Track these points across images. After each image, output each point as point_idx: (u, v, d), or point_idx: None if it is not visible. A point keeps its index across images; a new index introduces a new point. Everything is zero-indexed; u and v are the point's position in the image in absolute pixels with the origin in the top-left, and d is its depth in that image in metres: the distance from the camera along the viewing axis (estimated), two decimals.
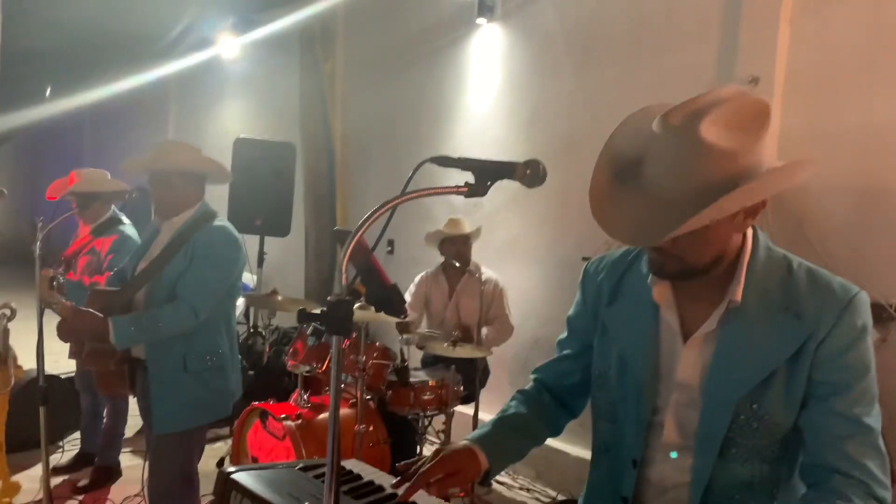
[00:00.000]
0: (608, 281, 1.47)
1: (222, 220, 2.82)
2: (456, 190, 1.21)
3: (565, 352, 1.59)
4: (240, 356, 2.99)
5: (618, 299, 1.45)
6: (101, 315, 2.51)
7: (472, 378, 3.85)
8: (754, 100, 1.20)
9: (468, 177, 1.24)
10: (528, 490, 4.26)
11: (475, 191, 1.22)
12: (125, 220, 3.98)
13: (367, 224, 1.11)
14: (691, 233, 1.16)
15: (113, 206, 3.98)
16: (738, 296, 1.27)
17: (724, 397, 1.27)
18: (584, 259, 1.66)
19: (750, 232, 1.32)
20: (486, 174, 1.23)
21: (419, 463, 1.38)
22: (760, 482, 1.27)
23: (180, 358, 2.64)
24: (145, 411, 2.76)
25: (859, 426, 1.21)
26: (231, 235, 2.77)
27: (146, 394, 2.67)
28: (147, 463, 2.85)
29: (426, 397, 3.61)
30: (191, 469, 2.79)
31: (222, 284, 2.72)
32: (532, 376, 1.65)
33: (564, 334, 1.61)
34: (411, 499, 1.37)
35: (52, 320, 2.98)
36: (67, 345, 3.40)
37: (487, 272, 4.20)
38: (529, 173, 1.22)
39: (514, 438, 1.51)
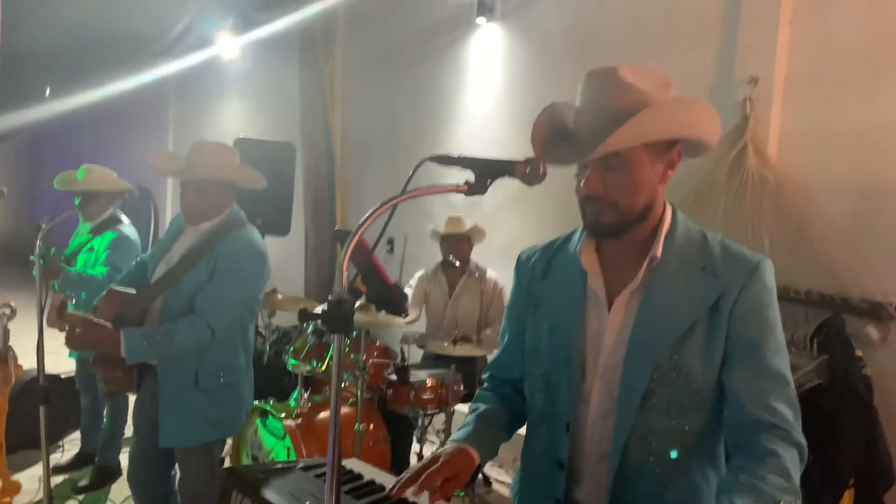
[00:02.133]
0: (540, 260, 1.57)
1: (250, 230, 2.68)
2: (456, 188, 1.21)
3: (505, 339, 1.65)
4: None
5: (549, 274, 1.54)
6: (112, 328, 2.41)
7: (472, 377, 3.85)
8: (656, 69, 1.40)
9: (468, 175, 1.25)
10: None
11: (475, 189, 1.23)
12: (124, 219, 3.98)
13: (367, 223, 1.11)
14: (622, 175, 1.33)
15: (113, 205, 3.99)
16: (659, 251, 1.38)
17: (647, 350, 1.36)
18: None
19: (670, 208, 1.44)
20: (485, 172, 1.23)
21: (414, 468, 1.40)
22: (676, 431, 1.36)
23: (192, 373, 2.54)
24: (146, 411, 2.66)
25: (778, 378, 1.33)
26: (256, 249, 2.64)
27: (154, 400, 2.58)
28: (129, 468, 2.80)
29: (426, 396, 3.61)
30: (216, 472, 2.73)
31: (243, 301, 2.61)
32: (484, 376, 1.72)
33: (503, 324, 1.67)
34: (411, 499, 1.38)
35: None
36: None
37: (488, 271, 4.20)
38: (529, 171, 1.24)
39: (495, 432, 1.57)
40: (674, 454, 1.36)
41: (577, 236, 1.51)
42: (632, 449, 1.37)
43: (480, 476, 4.12)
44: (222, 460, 4.13)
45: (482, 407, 1.61)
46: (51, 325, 2.98)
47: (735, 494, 1.20)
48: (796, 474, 1.25)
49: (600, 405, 1.42)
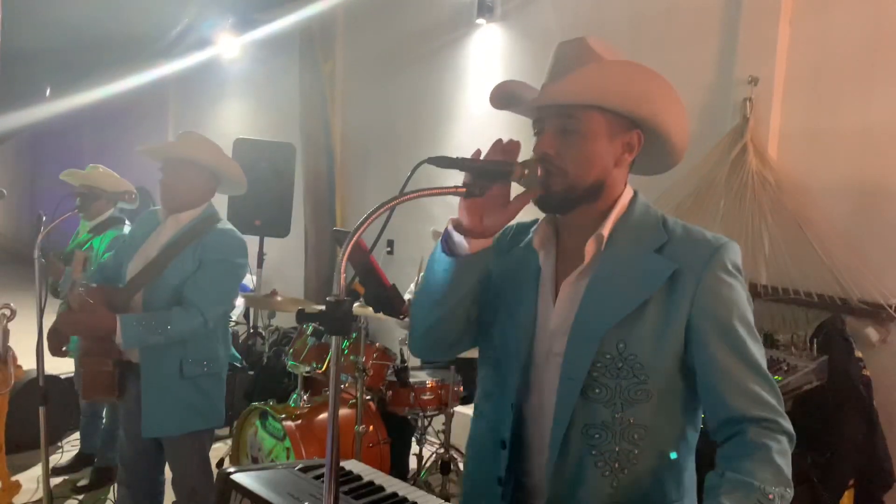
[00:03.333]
0: (513, 237, 1.53)
1: (227, 223, 2.73)
2: (454, 190, 1.22)
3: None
4: (240, 357, 2.94)
5: (511, 251, 1.50)
6: (110, 312, 2.43)
7: (471, 378, 3.84)
8: None
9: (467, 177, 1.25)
10: None
11: (473, 191, 1.23)
12: (126, 220, 3.99)
13: (366, 224, 1.10)
14: (576, 143, 1.29)
15: (114, 206, 4.00)
16: (606, 230, 1.33)
17: (590, 332, 1.29)
18: None
19: (631, 191, 1.39)
20: (483, 175, 1.23)
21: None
22: (620, 424, 1.29)
23: (176, 363, 2.56)
24: (134, 416, 2.63)
25: (754, 366, 1.26)
26: (240, 240, 2.70)
27: (138, 401, 2.58)
28: (120, 468, 2.81)
29: (426, 397, 3.62)
30: (207, 464, 2.76)
31: (231, 291, 2.66)
32: None
33: None
34: (413, 498, 1.38)
35: (52, 319, 2.97)
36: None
37: None
38: (527, 174, 1.24)
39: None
40: (617, 448, 1.29)
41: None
42: (573, 441, 1.30)
43: None
44: (222, 461, 4.14)
45: None
46: (75, 277, 3.01)
47: (722, 493, 1.16)
48: (786, 463, 1.20)
49: (547, 392, 1.36)
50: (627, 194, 1.38)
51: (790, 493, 1.19)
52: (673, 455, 1.32)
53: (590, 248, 1.33)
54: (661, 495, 1.32)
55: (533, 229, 1.47)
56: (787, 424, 1.25)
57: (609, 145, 1.32)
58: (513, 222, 1.53)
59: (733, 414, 1.25)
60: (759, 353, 1.28)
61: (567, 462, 1.31)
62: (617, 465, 1.29)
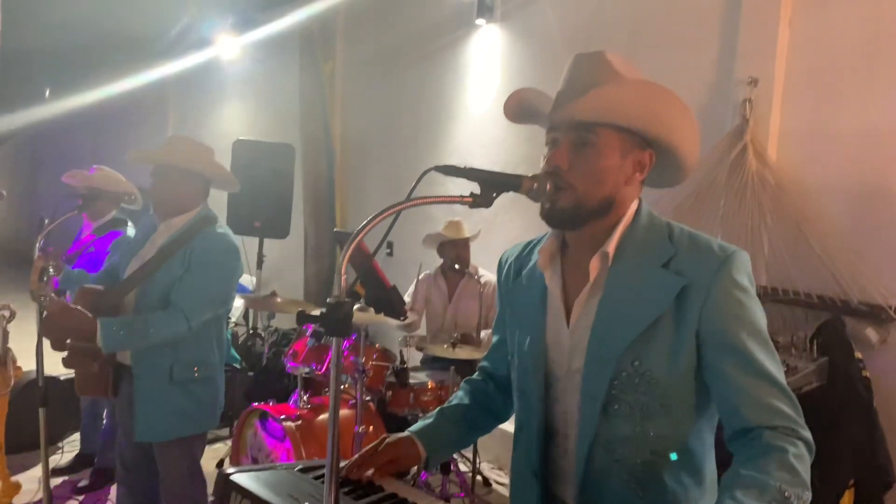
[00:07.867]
0: (515, 262, 1.55)
1: (223, 227, 2.71)
2: (461, 199, 1.22)
3: (495, 338, 1.65)
4: (239, 358, 2.92)
5: (518, 276, 1.51)
6: (89, 315, 2.41)
7: None
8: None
9: (473, 185, 1.25)
10: None
11: (480, 201, 1.24)
12: (128, 221, 4.00)
13: (369, 228, 1.11)
14: (588, 158, 1.30)
15: (117, 208, 4.01)
16: (611, 247, 1.32)
17: (607, 353, 1.30)
18: None
19: (635, 203, 1.38)
20: (491, 185, 1.24)
21: (364, 448, 1.49)
22: (642, 437, 1.30)
23: (167, 367, 2.55)
24: (128, 418, 2.63)
25: (767, 378, 1.24)
26: (231, 244, 2.66)
27: (132, 401, 2.58)
28: (119, 468, 2.80)
29: (425, 398, 3.62)
30: (198, 469, 2.75)
31: (219, 294, 2.63)
32: (479, 364, 1.72)
33: (494, 324, 1.69)
34: (413, 499, 1.39)
35: None
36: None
37: (486, 274, 4.20)
38: (536, 188, 1.24)
39: (452, 429, 1.59)
40: (640, 460, 1.30)
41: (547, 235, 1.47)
42: (596, 456, 1.33)
43: (480, 477, 4.11)
44: (221, 461, 4.14)
45: (453, 402, 1.64)
46: (32, 288, 2.95)
47: (738, 489, 1.14)
48: (803, 468, 1.18)
49: (569, 412, 1.38)
50: (630, 209, 1.37)
51: (808, 495, 1.17)
52: (690, 455, 1.33)
53: (594, 265, 1.33)
54: (685, 499, 1.33)
55: (538, 249, 1.47)
56: (806, 433, 1.23)
57: (621, 162, 1.32)
58: (512, 248, 1.58)
59: (747, 424, 1.24)
60: (773, 364, 1.26)
61: (593, 477, 1.33)
62: (641, 477, 1.31)
